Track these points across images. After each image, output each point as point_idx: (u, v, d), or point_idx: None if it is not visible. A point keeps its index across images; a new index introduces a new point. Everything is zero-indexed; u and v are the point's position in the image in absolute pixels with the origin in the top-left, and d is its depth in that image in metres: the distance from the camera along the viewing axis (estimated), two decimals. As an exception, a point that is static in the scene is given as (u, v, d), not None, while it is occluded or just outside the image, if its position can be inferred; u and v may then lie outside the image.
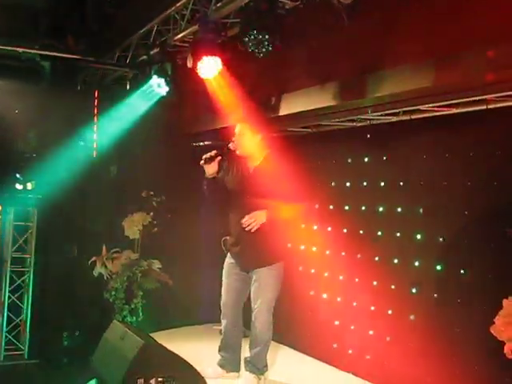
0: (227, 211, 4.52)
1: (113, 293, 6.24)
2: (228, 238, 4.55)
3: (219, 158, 4.30)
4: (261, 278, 4.35)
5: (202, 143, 6.94)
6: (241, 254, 4.42)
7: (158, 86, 5.51)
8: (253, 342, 4.52)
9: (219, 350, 4.74)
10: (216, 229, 6.48)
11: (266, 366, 4.62)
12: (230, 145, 4.36)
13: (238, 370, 4.70)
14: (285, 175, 4.24)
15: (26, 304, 6.35)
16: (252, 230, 4.16)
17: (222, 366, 4.71)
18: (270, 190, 4.23)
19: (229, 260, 4.56)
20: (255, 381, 4.52)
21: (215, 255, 6.51)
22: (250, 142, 4.34)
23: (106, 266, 6.24)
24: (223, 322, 4.63)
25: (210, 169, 4.33)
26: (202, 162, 4.30)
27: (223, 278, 4.58)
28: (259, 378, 4.55)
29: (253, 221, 4.16)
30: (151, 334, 5.28)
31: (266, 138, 4.43)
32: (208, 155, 4.29)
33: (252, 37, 4.11)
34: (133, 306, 6.22)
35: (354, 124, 5.23)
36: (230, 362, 4.69)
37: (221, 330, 6.20)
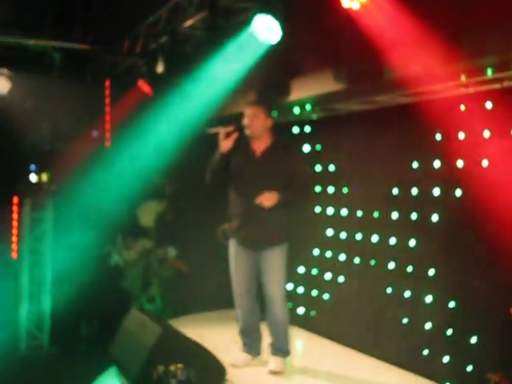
0: (231, 194, 4.51)
1: (129, 281, 6.27)
2: (227, 225, 4.54)
3: (235, 135, 4.32)
4: (272, 261, 4.38)
5: (215, 129, 6.91)
6: (249, 236, 4.41)
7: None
8: (274, 327, 4.53)
9: (241, 336, 4.73)
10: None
11: (289, 348, 4.65)
12: (242, 124, 4.40)
13: (260, 352, 4.74)
14: (292, 159, 4.43)
15: (44, 294, 6.39)
16: (265, 208, 4.23)
17: (247, 352, 4.73)
18: (278, 172, 4.33)
19: (234, 246, 4.54)
20: (283, 363, 4.56)
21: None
22: (263, 125, 4.40)
23: (121, 255, 6.22)
24: (239, 311, 4.61)
25: (226, 145, 4.32)
26: (220, 136, 4.32)
27: (232, 266, 4.56)
28: (285, 361, 4.60)
29: (264, 200, 4.21)
30: (169, 321, 5.33)
31: (273, 122, 4.49)
32: (227, 130, 4.33)
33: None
34: (150, 294, 6.23)
35: (366, 107, 5.18)
36: (253, 347, 4.72)
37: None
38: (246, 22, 4.42)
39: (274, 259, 4.39)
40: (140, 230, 6.57)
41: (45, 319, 6.35)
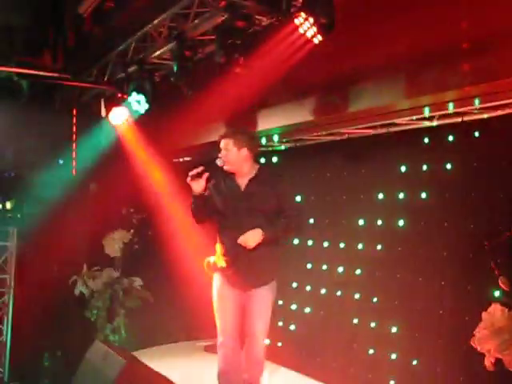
0: (218, 231, 4.33)
1: (94, 311, 6.20)
2: (211, 258, 4.35)
3: (206, 174, 4.16)
4: (259, 300, 4.21)
5: (182, 159, 6.99)
6: (238, 275, 4.19)
7: (137, 104, 5.49)
8: (252, 364, 4.34)
9: (218, 380, 4.36)
10: (198, 245, 6.51)
11: None
12: (217, 161, 4.24)
13: None
14: (277, 190, 4.18)
15: (5, 325, 6.26)
16: (249, 248, 4.04)
17: None
18: (265, 206, 4.14)
19: (220, 282, 4.34)
20: None
21: (197, 272, 6.57)
22: (237, 157, 4.20)
23: (86, 285, 6.19)
24: (222, 350, 4.31)
25: (198, 186, 4.16)
26: (188, 178, 4.13)
27: (217, 302, 4.34)
28: None
29: (248, 239, 4.02)
30: (134, 353, 5.28)
31: (254, 152, 4.28)
32: (194, 172, 4.13)
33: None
34: (115, 325, 6.20)
35: (333, 138, 5.38)
36: None
37: (205, 347, 6.20)
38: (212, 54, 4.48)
39: (262, 298, 4.21)
40: (106, 260, 6.52)
41: (5, 351, 6.21)
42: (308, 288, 5.65)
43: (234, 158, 4.20)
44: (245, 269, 4.14)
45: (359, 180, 5.36)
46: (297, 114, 5.02)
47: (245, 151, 4.21)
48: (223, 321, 4.29)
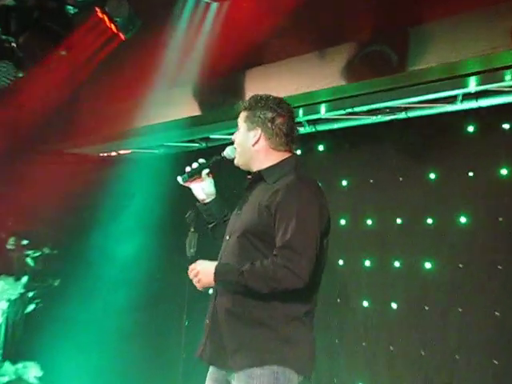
0: None
1: None
2: None
3: (207, 170, 4.05)
4: None
5: (115, 152, 6.93)
6: (206, 338, 3.93)
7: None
8: None
9: None
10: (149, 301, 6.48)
11: None
12: (225, 151, 4.03)
13: None
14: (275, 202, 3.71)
15: None
16: (198, 287, 3.79)
17: None
18: (249, 229, 3.82)
19: None
20: None
21: (149, 348, 6.65)
22: (244, 142, 3.98)
23: None
24: None
25: (199, 189, 4.10)
26: (179, 178, 4.02)
27: None
28: None
29: (193, 276, 3.80)
30: None
31: (276, 138, 3.91)
32: (189, 168, 4.04)
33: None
34: None
35: (379, 118, 5.59)
36: None
37: None
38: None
39: None
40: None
41: None
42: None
43: (241, 142, 4.00)
44: (213, 330, 3.85)
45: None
46: (318, 77, 5.02)
47: (257, 134, 3.90)
48: None
